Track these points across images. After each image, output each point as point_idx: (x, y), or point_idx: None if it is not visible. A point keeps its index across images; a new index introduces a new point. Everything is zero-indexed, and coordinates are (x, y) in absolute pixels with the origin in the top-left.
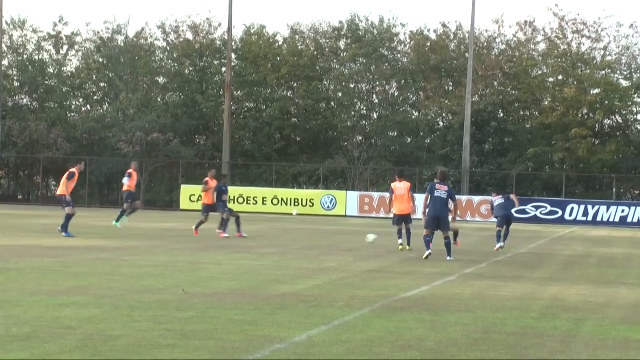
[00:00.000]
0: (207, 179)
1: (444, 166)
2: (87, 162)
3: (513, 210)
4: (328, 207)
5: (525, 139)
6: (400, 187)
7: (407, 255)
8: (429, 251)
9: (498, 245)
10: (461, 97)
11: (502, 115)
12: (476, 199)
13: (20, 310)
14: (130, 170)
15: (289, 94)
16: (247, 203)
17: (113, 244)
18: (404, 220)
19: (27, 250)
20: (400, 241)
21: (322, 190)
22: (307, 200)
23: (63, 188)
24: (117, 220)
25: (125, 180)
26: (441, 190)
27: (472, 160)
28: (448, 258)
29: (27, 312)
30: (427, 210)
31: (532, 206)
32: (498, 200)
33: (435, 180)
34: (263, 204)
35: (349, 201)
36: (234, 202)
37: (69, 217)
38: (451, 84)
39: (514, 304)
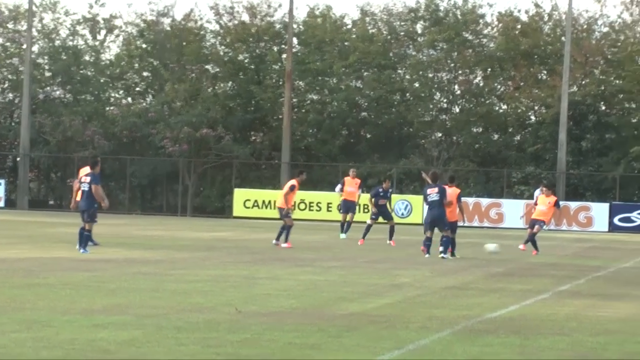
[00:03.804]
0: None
1: (536, 167)
2: (128, 162)
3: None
4: (402, 214)
5: (631, 135)
6: (450, 193)
7: (492, 269)
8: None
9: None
10: (556, 87)
11: (603, 108)
12: (573, 205)
13: (51, 331)
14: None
15: (357, 84)
16: (310, 209)
17: (156, 256)
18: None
19: (59, 263)
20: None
21: (395, 195)
22: None
23: (282, 200)
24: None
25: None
26: (433, 194)
27: (567, 160)
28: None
29: (59, 333)
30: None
31: (638, 213)
32: (432, 195)
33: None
34: (328, 210)
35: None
36: (294, 208)
37: (288, 229)
38: (544, 72)
39: (616, 327)
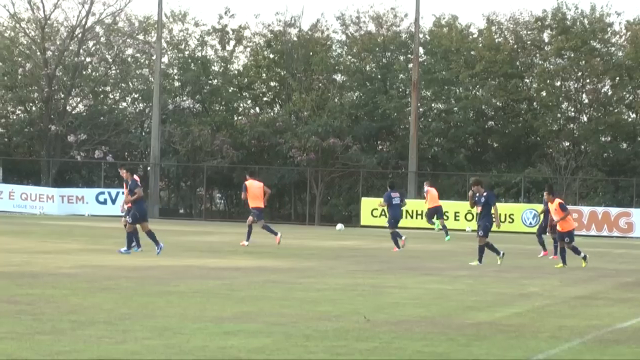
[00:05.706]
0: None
1: None
2: (256, 171)
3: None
4: (530, 223)
5: None
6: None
7: (622, 279)
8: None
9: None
10: None
11: None
12: None
13: (182, 338)
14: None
15: (484, 94)
16: (437, 218)
17: (285, 264)
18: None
19: (189, 270)
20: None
21: (523, 204)
22: (506, 215)
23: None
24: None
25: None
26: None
27: None
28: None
29: (190, 340)
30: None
31: None
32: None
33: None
34: (455, 219)
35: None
36: (421, 217)
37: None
38: None
39: None
